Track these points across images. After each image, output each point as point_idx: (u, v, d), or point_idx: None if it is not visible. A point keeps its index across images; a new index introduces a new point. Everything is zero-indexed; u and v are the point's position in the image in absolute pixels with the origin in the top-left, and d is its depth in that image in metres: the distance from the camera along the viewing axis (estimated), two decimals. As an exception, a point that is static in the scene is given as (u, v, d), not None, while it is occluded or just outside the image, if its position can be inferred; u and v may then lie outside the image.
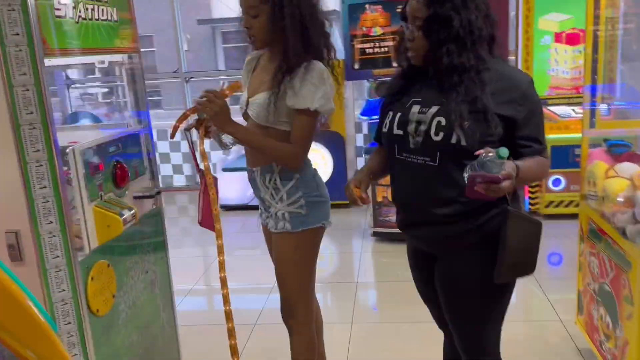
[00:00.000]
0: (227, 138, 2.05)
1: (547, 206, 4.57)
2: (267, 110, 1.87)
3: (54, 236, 1.61)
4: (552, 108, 4.68)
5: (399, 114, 1.66)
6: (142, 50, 2.22)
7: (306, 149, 1.90)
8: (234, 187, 5.25)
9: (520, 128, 1.52)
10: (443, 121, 1.53)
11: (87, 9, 1.78)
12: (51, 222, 1.60)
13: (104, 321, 1.82)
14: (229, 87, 1.89)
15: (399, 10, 1.72)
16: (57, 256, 1.62)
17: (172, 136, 1.93)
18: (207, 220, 1.97)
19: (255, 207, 2.17)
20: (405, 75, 1.72)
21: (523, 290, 3.34)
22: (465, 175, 1.39)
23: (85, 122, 5.87)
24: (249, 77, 2.07)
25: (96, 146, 1.81)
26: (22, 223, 1.58)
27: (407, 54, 1.65)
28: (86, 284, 1.71)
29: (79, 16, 1.74)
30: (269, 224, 2.01)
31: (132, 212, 1.84)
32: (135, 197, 2.04)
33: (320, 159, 5.12)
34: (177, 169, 6.27)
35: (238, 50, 18.10)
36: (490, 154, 1.35)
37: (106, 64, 2.16)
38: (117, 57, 2.15)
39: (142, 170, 2.12)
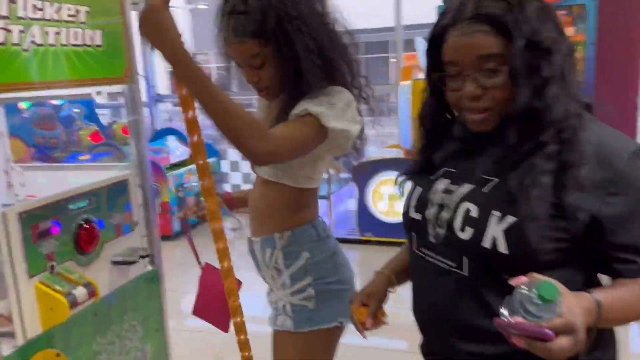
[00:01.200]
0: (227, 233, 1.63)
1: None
2: None
3: (-34, 326, 1.25)
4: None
5: (419, 189, 1.13)
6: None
7: (279, 147, 1.26)
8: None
9: (613, 232, 0.93)
10: (473, 210, 0.99)
11: (46, 33, 1.42)
12: (-38, 309, 1.24)
13: None
14: None
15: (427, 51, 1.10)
16: (-29, 351, 1.26)
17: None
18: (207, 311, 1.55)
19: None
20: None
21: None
22: (503, 315, 0.83)
23: (169, 138, 5.78)
24: (260, 117, 1.62)
25: (49, 204, 1.44)
26: None
27: (461, 118, 1.09)
28: (14, 383, 1.33)
29: (32, 42, 1.38)
30: (270, 315, 1.54)
31: (87, 289, 1.45)
32: (113, 263, 1.66)
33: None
34: (247, 178, 5.94)
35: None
36: (531, 291, 0.80)
37: (105, 95, 1.81)
38: (117, 88, 1.80)
39: (129, 227, 1.73)
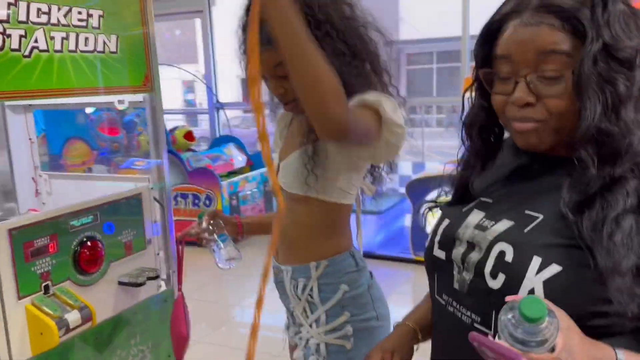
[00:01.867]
0: (221, 262, 1.50)
1: None
2: (299, 177, 1.28)
3: (-57, 349, 1.17)
4: None
5: (446, 221, 0.95)
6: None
7: (353, 122, 1.08)
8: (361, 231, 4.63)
9: None
10: (509, 253, 0.80)
11: (52, 39, 1.34)
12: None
13: None
14: None
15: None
16: (-52, 376, 1.18)
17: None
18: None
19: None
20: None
21: None
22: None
23: (228, 146, 5.77)
24: (282, 135, 1.49)
25: (47, 220, 1.35)
26: None
27: (512, 129, 0.89)
28: (-4, 412, 1.24)
29: (33, 47, 1.30)
30: (296, 354, 1.39)
31: (81, 314, 1.34)
32: (120, 283, 1.55)
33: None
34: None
35: (422, 73, 17.68)
36: (514, 308, 0.67)
37: (126, 104, 1.73)
38: (137, 97, 1.71)
39: (141, 245, 1.62)
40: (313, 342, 1.34)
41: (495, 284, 0.80)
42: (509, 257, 0.80)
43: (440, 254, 0.94)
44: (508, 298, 0.70)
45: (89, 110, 5.50)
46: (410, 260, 4.37)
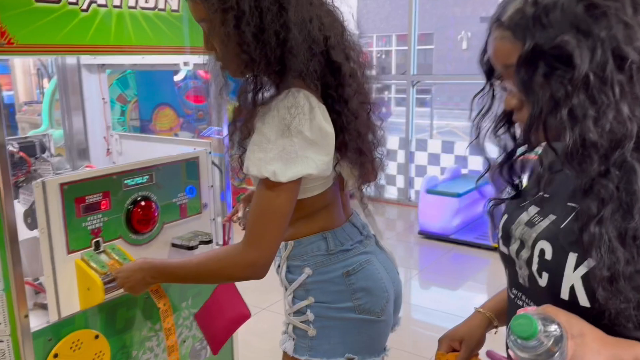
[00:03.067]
0: None
1: None
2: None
3: (-6, 296, 1.20)
4: None
5: (505, 217, 0.94)
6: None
7: (262, 246, 1.07)
8: (437, 213, 4.46)
9: None
10: (548, 251, 0.80)
11: (111, -7, 1.32)
12: (-9, 278, 1.19)
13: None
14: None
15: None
16: (-1, 322, 1.21)
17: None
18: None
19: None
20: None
21: None
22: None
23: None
24: None
25: (100, 177, 1.35)
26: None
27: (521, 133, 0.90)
28: (43, 362, 1.27)
29: (91, 2, 1.29)
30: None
31: (128, 272, 1.34)
32: (173, 245, 1.54)
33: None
34: (391, 180, 5.71)
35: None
36: (512, 334, 0.68)
37: (190, 66, 1.70)
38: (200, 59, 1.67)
39: (196, 208, 1.60)
40: (285, 321, 1.28)
41: (542, 282, 0.81)
42: (548, 255, 0.80)
43: (504, 249, 0.92)
44: (519, 310, 0.71)
45: (177, 77, 5.65)
46: (488, 247, 4.15)
